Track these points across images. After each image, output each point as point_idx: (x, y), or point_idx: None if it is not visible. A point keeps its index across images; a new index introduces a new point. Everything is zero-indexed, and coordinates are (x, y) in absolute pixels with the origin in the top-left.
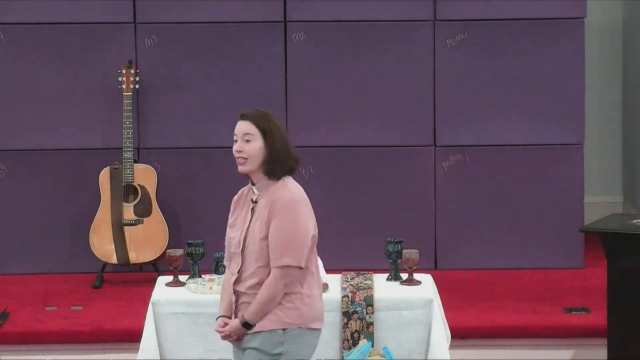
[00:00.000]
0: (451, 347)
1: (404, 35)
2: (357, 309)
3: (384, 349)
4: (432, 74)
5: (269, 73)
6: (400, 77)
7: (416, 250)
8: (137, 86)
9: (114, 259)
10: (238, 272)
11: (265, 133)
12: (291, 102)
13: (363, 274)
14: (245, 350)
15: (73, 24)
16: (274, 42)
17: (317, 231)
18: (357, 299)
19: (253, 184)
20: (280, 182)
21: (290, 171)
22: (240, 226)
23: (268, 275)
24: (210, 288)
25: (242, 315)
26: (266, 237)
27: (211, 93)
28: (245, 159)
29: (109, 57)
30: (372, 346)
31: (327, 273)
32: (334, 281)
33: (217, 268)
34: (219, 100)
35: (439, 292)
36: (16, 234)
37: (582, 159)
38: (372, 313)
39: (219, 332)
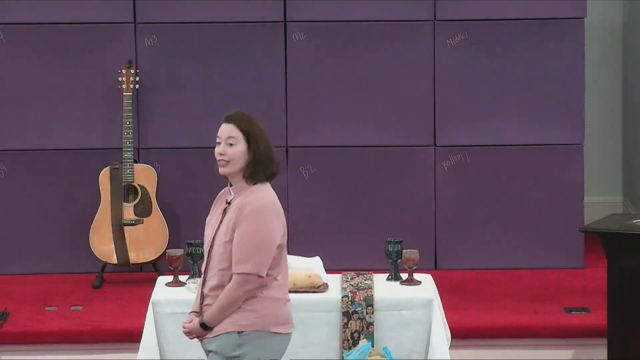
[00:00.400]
0: (451, 347)
1: (404, 35)
2: (357, 309)
3: (384, 349)
4: (432, 74)
5: (269, 73)
6: (400, 77)
7: (416, 250)
8: (137, 86)
9: (114, 259)
10: (204, 271)
11: (249, 137)
12: (291, 102)
13: (363, 274)
14: (208, 353)
15: (73, 24)
16: (274, 42)
17: (285, 240)
18: (357, 299)
19: (231, 185)
20: (254, 186)
21: (271, 177)
22: (212, 225)
23: (229, 279)
24: None
25: (202, 317)
26: (231, 241)
27: (211, 93)
28: (227, 161)
29: (109, 57)
30: (372, 346)
31: (327, 273)
32: (334, 281)
33: None
34: (219, 100)
35: (439, 292)
36: (16, 234)
37: (582, 159)
38: (372, 313)
39: (182, 327)
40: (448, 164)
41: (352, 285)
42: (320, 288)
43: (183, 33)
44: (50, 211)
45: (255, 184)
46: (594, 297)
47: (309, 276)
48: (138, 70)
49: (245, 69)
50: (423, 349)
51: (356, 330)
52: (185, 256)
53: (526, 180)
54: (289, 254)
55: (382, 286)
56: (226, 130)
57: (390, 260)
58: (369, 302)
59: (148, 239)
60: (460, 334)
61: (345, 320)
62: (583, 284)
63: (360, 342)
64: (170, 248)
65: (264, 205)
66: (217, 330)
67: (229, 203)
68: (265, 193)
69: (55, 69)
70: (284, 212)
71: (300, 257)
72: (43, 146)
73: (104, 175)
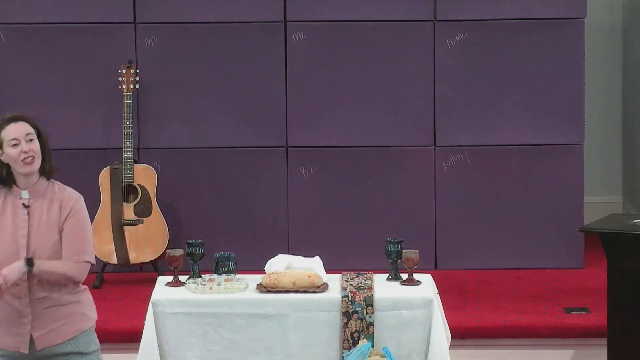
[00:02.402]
0: (451, 347)
1: (404, 35)
2: (357, 309)
3: (384, 349)
4: (432, 74)
5: (269, 73)
6: (400, 77)
7: (416, 250)
8: (137, 86)
9: (114, 259)
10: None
11: (39, 131)
12: (291, 102)
13: (363, 274)
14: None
15: (73, 24)
16: (274, 42)
17: None
18: (357, 299)
19: (14, 185)
20: (53, 182)
21: (52, 172)
22: (11, 232)
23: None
24: (210, 288)
25: (30, 259)
26: (60, 240)
27: (211, 93)
28: (34, 157)
29: (109, 57)
30: (372, 346)
31: (327, 273)
32: (334, 281)
33: (217, 268)
34: (219, 100)
35: (439, 292)
36: None
37: (582, 159)
38: (372, 313)
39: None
40: (448, 164)
41: (352, 285)
42: (320, 288)
43: (183, 33)
44: None
45: (48, 179)
46: (594, 297)
47: (309, 276)
48: (138, 70)
49: (245, 69)
50: (423, 349)
51: (356, 330)
52: (185, 256)
53: (526, 180)
54: (289, 253)
55: (382, 286)
56: (22, 128)
57: (390, 260)
58: (369, 302)
59: (148, 239)
60: (460, 334)
61: (345, 320)
62: (583, 284)
63: (360, 342)
64: (170, 248)
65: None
66: (73, 331)
67: (28, 206)
68: (70, 188)
69: (55, 69)
70: (284, 212)
71: (300, 257)
72: None
73: (104, 175)
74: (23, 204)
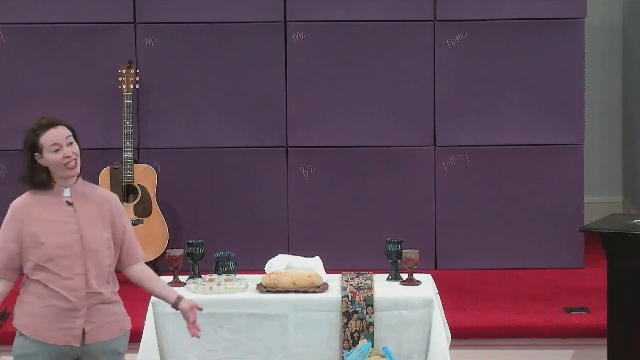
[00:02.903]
0: (451, 347)
1: (404, 35)
2: (357, 309)
3: (384, 349)
4: (432, 74)
5: (269, 73)
6: (400, 77)
7: (416, 250)
8: (137, 86)
9: None
10: (84, 273)
11: (74, 133)
12: (291, 102)
13: (363, 274)
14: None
15: (73, 24)
16: (274, 42)
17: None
18: (357, 299)
19: (53, 185)
20: (82, 180)
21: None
22: (60, 228)
23: (109, 273)
24: (211, 288)
25: (179, 298)
26: (111, 236)
27: (211, 93)
28: (75, 160)
29: (109, 57)
30: (372, 346)
31: (327, 273)
32: (334, 281)
33: (217, 268)
34: (219, 100)
35: (439, 292)
36: None
37: (582, 159)
38: (372, 313)
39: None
40: (448, 164)
41: (352, 285)
42: (320, 288)
43: (183, 33)
44: None
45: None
46: (594, 297)
47: (309, 276)
48: (138, 70)
49: (245, 69)
50: (423, 349)
51: (356, 330)
52: (185, 256)
53: (526, 180)
54: (289, 253)
55: (382, 286)
56: (62, 132)
57: (390, 260)
58: (369, 302)
59: (148, 239)
60: (460, 334)
61: (345, 320)
62: (583, 284)
63: (360, 342)
64: (170, 248)
65: None
66: (117, 330)
67: (72, 203)
68: (103, 187)
69: (55, 69)
70: (284, 212)
71: (300, 257)
72: None
73: (104, 175)
74: (67, 201)
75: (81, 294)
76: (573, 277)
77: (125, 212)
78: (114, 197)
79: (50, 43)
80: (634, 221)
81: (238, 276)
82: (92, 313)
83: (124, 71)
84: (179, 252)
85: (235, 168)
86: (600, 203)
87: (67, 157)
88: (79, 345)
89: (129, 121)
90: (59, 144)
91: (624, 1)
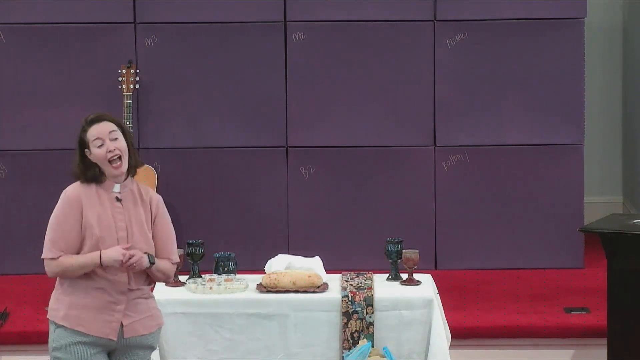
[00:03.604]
0: (451, 347)
1: (404, 35)
2: (357, 309)
3: (384, 349)
4: (432, 74)
5: (269, 73)
6: (400, 77)
7: (416, 250)
8: (137, 86)
9: None
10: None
11: (123, 129)
12: (291, 102)
13: (363, 274)
14: (144, 349)
15: (73, 24)
16: (274, 42)
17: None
18: (357, 299)
19: (103, 180)
20: (130, 177)
21: (138, 165)
22: (111, 224)
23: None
24: (211, 288)
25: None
26: (150, 231)
27: (211, 93)
28: (120, 156)
29: (109, 57)
30: (372, 346)
31: (327, 273)
32: (334, 281)
33: (217, 268)
34: (219, 100)
35: (439, 292)
36: (16, 234)
37: (582, 159)
38: (372, 313)
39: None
40: (448, 164)
41: (352, 285)
42: (320, 288)
43: (183, 33)
44: (50, 211)
45: (134, 175)
46: (594, 297)
47: (309, 276)
48: (138, 70)
49: (245, 69)
50: (423, 349)
51: (356, 330)
52: (185, 256)
53: (526, 180)
54: (289, 253)
55: (382, 286)
56: (105, 127)
57: (390, 260)
58: (369, 302)
59: None
60: (460, 334)
61: (345, 320)
62: (583, 284)
63: (360, 342)
64: None
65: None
66: (153, 325)
67: (121, 199)
68: (150, 188)
69: (55, 69)
70: (285, 212)
71: (300, 257)
72: (43, 146)
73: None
74: (117, 197)
75: (123, 289)
76: (573, 277)
77: (168, 215)
78: (160, 200)
79: (50, 43)
80: (634, 221)
81: (238, 276)
82: (131, 307)
83: (124, 71)
84: (179, 252)
85: (235, 168)
86: (600, 203)
87: (110, 151)
88: (116, 339)
89: (129, 121)
90: (101, 139)
91: (624, 1)
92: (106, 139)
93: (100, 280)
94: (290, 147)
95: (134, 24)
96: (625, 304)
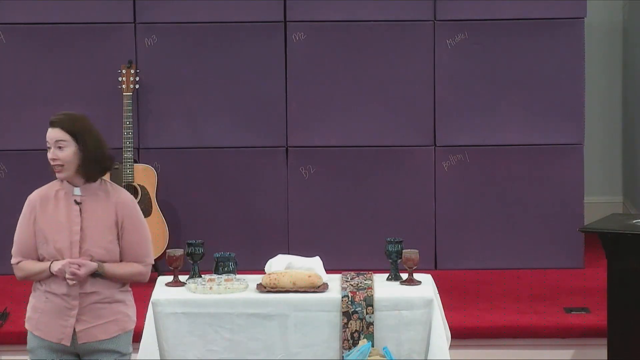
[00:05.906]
0: (451, 347)
1: (404, 35)
2: (357, 309)
3: (384, 349)
4: (432, 74)
5: (269, 73)
6: (400, 77)
7: (416, 250)
8: (137, 86)
9: None
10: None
11: (76, 137)
12: (291, 102)
13: (363, 274)
14: (102, 353)
15: (73, 24)
16: (274, 42)
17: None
18: (357, 299)
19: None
20: (106, 183)
21: (105, 171)
22: (65, 226)
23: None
24: (210, 288)
25: (100, 264)
26: (115, 239)
27: (211, 93)
28: (62, 165)
29: (109, 57)
30: (372, 346)
31: (327, 273)
32: (334, 281)
33: (217, 268)
34: (219, 100)
35: (439, 292)
36: None
37: (582, 159)
38: (372, 313)
39: (73, 265)
40: (448, 164)
41: (352, 285)
42: (320, 288)
43: (183, 33)
44: None
45: (95, 181)
46: (594, 297)
47: (309, 276)
48: (138, 70)
49: (245, 69)
50: (423, 349)
51: (356, 330)
52: (185, 256)
53: (526, 180)
54: (289, 253)
55: (382, 286)
56: (53, 134)
57: (390, 260)
58: (369, 302)
59: None
60: (460, 334)
61: (345, 320)
62: (583, 284)
63: (360, 342)
64: (170, 248)
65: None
66: (116, 330)
67: (80, 202)
68: (123, 190)
69: (55, 69)
70: (284, 212)
71: (300, 257)
72: (43, 146)
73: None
74: (75, 200)
75: (74, 294)
76: (573, 277)
77: (141, 216)
78: (131, 203)
79: (50, 43)
80: (634, 221)
81: (238, 276)
82: (87, 313)
83: (124, 71)
84: (179, 252)
85: (235, 168)
86: (600, 203)
87: (51, 159)
88: (69, 344)
89: (129, 121)
90: (49, 144)
91: (624, 1)
92: (52, 146)
93: (55, 284)
94: (290, 147)
95: (134, 24)
96: (625, 304)
